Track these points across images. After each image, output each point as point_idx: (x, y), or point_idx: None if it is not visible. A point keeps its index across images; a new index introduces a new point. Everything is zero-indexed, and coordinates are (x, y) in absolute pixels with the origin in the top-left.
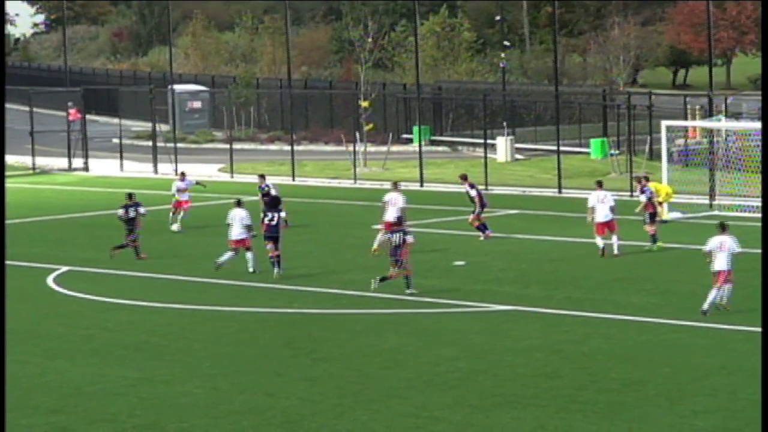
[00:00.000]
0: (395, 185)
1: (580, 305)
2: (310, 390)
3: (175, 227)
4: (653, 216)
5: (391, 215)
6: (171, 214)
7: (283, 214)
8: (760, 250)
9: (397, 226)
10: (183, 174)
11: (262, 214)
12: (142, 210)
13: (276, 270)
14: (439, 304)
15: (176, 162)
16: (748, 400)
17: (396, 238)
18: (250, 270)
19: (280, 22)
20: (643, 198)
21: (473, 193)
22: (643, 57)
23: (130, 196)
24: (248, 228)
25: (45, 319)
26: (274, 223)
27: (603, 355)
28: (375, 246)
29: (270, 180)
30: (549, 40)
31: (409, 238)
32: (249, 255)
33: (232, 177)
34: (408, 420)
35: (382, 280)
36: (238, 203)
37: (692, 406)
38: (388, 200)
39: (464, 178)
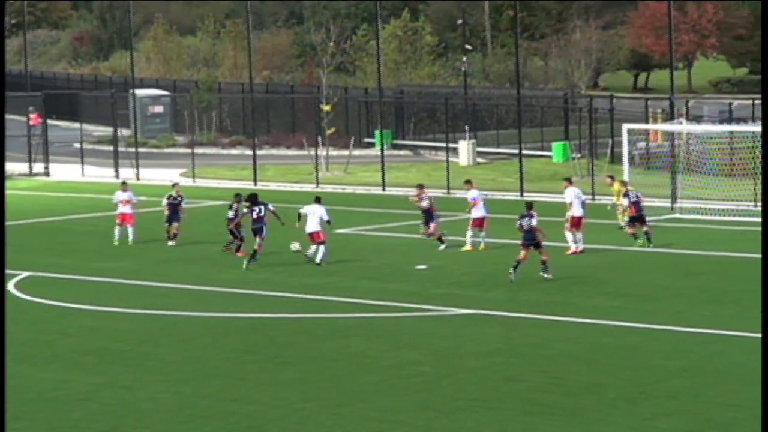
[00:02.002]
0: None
1: (542, 308)
2: (273, 395)
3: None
4: (634, 219)
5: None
6: (117, 227)
7: (271, 207)
8: (725, 253)
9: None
10: (125, 183)
11: (245, 210)
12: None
13: (251, 262)
14: (402, 308)
15: (138, 167)
16: (709, 402)
17: (525, 222)
18: (317, 262)
19: (242, 27)
20: (625, 202)
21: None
22: (604, 60)
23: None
24: (327, 222)
25: (6, 324)
26: (262, 214)
27: (564, 358)
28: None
29: (233, 184)
30: (511, 44)
31: (534, 222)
32: (321, 248)
33: (194, 182)
34: (371, 424)
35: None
36: (317, 200)
37: (653, 408)
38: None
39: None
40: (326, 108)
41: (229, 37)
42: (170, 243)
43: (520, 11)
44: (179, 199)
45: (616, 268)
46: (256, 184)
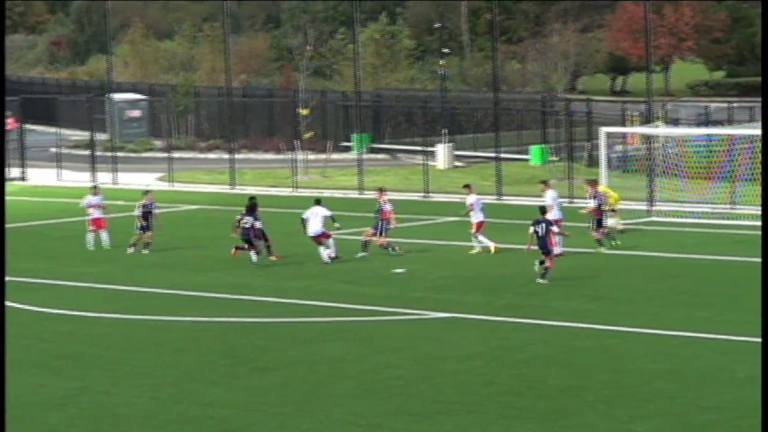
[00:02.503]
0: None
1: (519, 311)
2: (249, 399)
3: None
4: (600, 222)
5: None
6: (90, 233)
7: (258, 224)
8: (701, 256)
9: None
10: (96, 188)
11: (239, 216)
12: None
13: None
14: (380, 312)
15: (116, 171)
16: (686, 405)
17: (540, 228)
18: (325, 260)
19: (219, 30)
20: (592, 204)
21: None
22: (582, 64)
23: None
24: (332, 219)
25: None
26: (248, 226)
27: (542, 362)
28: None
29: (210, 188)
30: (488, 47)
31: (555, 228)
32: (323, 247)
33: (171, 186)
34: (349, 428)
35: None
36: (318, 202)
37: (631, 411)
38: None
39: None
40: (304, 112)
41: (206, 41)
42: (144, 251)
43: (497, 14)
44: (151, 206)
45: (593, 271)
46: (233, 188)
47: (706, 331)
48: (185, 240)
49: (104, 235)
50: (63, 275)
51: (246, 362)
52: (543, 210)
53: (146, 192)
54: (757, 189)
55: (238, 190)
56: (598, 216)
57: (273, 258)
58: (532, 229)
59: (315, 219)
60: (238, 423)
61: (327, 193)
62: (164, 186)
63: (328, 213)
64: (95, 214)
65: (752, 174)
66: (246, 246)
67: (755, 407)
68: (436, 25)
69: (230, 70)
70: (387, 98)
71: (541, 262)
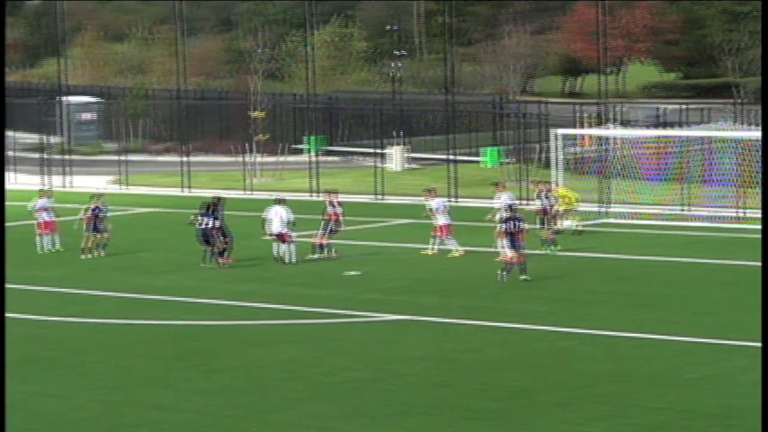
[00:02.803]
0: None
1: (472, 314)
2: (202, 402)
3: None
4: (544, 222)
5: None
6: (39, 237)
7: (215, 223)
8: (655, 257)
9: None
10: (43, 191)
11: (192, 217)
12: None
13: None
14: (333, 315)
15: (67, 174)
16: (638, 407)
17: (511, 225)
18: (287, 261)
19: (173, 33)
20: (538, 203)
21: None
22: (535, 66)
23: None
24: (289, 224)
25: None
26: (202, 227)
27: (495, 364)
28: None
29: (164, 191)
30: (442, 49)
31: (525, 226)
32: (284, 247)
33: (126, 188)
34: (302, 431)
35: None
36: (279, 201)
37: (583, 413)
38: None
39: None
40: (257, 114)
41: (159, 44)
42: (102, 254)
43: (451, 16)
44: (102, 210)
45: (547, 273)
46: (187, 191)
47: (659, 332)
48: (139, 243)
49: (55, 239)
50: (15, 279)
51: (199, 365)
52: (512, 208)
53: (97, 196)
54: (708, 190)
55: (191, 192)
56: (543, 216)
57: (222, 260)
58: (504, 226)
59: (275, 218)
60: (190, 426)
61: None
62: (117, 189)
63: (288, 217)
64: (45, 217)
65: (704, 175)
66: (204, 247)
67: (704, 409)
68: (390, 28)
69: (183, 72)
70: (340, 100)
71: (504, 269)
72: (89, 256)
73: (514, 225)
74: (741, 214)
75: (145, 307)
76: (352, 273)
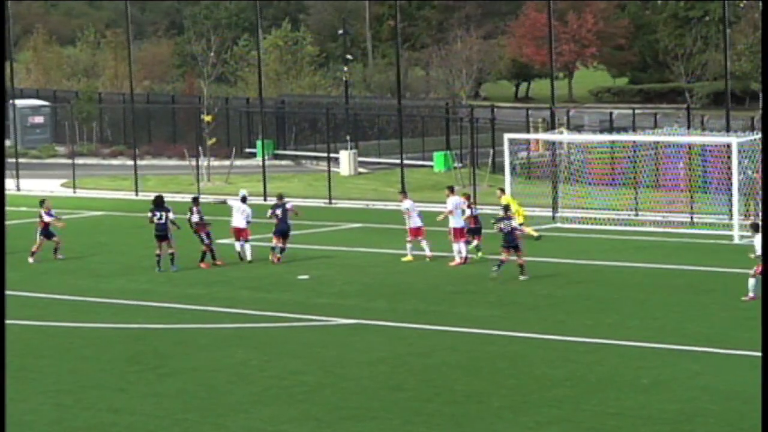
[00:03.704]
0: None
1: (424, 318)
2: (155, 405)
3: None
4: (472, 231)
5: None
6: None
7: (171, 215)
8: (606, 262)
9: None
10: None
11: (150, 214)
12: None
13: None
14: (284, 318)
15: (18, 177)
16: (591, 411)
17: (504, 224)
18: (248, 259)
19: (122, 37)
20: (468, 212)
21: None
22: (485, 70)
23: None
24: (247, 223)
25: None
26: (162, 221)
27: (447, 368)
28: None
29: (113, 194)
30: (391, 54)
31: (514, 223)
32: (241, 244)
33: (74, 192)
34: None
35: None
36: (244, 199)
37: (536, 417)
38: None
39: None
40: (207, 118)
41: (109, 47)
42: (59, 257)
43: (400, 21)
44: (48, 216)
45: (499, 277)
46: (137, 195)
47: (611, 337)
48: (89, 246)
49: None
50: None
51: (151, 368)
52: (506, 208)
53: (42, 201)
54: (658, 195)
55: (141, 196)
56: (471, 224)
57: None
58: (497, 226)
59: (237, 213)
60: (143, 429)
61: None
62: (68, 192)
63: (248, 216)
64: None
65: (654, 180)
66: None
67: (658, 413)
68: (339, 32)
69: (133, 76)
70: (290, 104)
71: (498, 265)
72: (61, 257)
73: (507, 224)
74: (691, 219)
75: (96, 310)
76: (304, 277)
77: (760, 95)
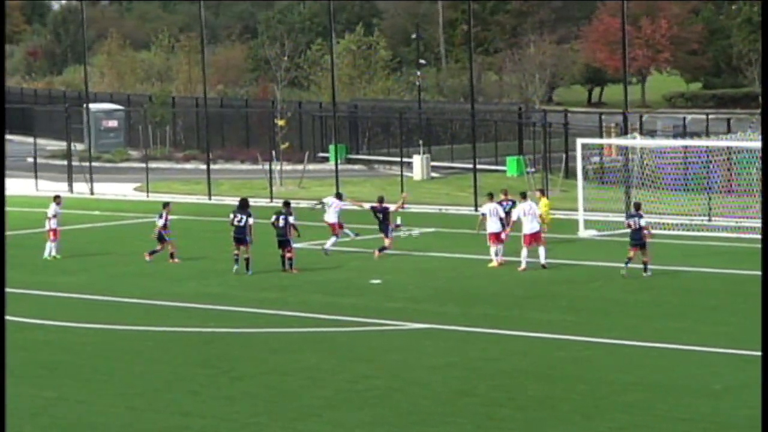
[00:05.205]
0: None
1: (495, 322)
2: (226, 409)
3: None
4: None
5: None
6: (48, 242)
7: (251, 221)
8: (679, 268)
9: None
10: (58, 197)
11: (231, 215)
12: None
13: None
14: (356, 323)
15: (92, 181)
16: (663, 417)
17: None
18: (326, 248)
19: (196, 41)
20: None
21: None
22: (558, 75)
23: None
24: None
25: None
26: (242, 224)
27: (519, 373)
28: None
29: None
30: (465, 58)
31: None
32: (332, 239)
33: (147, 196)
34: None
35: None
36: (338, 196)
37: (608, 422)
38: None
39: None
40: (280, 122)
41: (182, 52)
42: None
43: (474, 26)
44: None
45: (571, 282)
46: (210, 199)
47: (683, 342)
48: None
49: (52, 246)
50: (37, 285)
51: (222, 372)
52: (637, 205)
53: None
54: (731, 201)
55: (215, 200)
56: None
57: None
58: (626, 222)
59: (330, 209)
60: None
61: (304, 204)
62: (141, 196)
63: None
64: (54, 224)
65: (727, 186)
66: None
67: (729, 420)
68: (413, 36)
69: (207, 80)
70: (363, 109)
71: (626, 263)
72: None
73: (636, 221)
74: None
75: (168, 313)
76: (376, 281)
77: (761, 99)
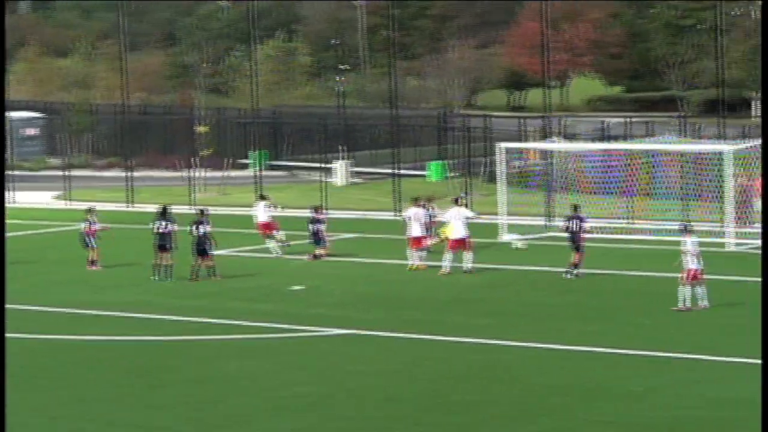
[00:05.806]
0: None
1: (419, 327)
2: (150, 417)
3: None
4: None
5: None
6: None
7: (173, 227)
8: (597, 270)
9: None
10: None
11: (152, 223)
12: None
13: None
14: (279, 329)
15: (13, 190)
16: (586, 420)
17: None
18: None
19: (116, 48)
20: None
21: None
22: (479, 79)
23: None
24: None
25: None
26: (164, 231)
27: (443, 377)
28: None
29: (107, 206)
30: (386, 64)
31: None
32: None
33: (68, 204)
34: None
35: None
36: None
37: (532, 426)
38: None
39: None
40: (201, 129)
41: (103, 59)
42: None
43: (395, 31)
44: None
45: (492, 286)
46: (131, 206)
47: (605, 345)
48: (81, 258)
49: None
50: None
51: (145, 381)
52: (575, 207)
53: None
54: (653, 204)
55: (136, 207)
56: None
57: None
58: (563, 225)
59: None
60: None
61: (223, 210)
62: (61, 204)
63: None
64: None
65: (649, 189)
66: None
67: (650, 421)
68: (333, 42)
69: (127, 87)
70: (285, 115)
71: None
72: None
73: (577, 225)
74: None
75: (90, 322)
76: (298, 287)
77: (761, 99)
